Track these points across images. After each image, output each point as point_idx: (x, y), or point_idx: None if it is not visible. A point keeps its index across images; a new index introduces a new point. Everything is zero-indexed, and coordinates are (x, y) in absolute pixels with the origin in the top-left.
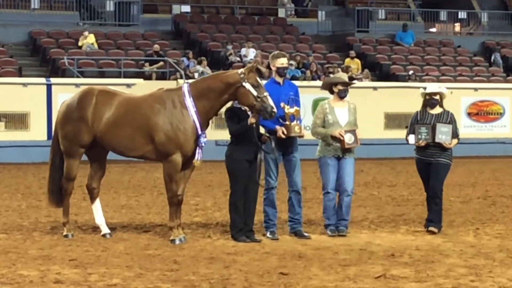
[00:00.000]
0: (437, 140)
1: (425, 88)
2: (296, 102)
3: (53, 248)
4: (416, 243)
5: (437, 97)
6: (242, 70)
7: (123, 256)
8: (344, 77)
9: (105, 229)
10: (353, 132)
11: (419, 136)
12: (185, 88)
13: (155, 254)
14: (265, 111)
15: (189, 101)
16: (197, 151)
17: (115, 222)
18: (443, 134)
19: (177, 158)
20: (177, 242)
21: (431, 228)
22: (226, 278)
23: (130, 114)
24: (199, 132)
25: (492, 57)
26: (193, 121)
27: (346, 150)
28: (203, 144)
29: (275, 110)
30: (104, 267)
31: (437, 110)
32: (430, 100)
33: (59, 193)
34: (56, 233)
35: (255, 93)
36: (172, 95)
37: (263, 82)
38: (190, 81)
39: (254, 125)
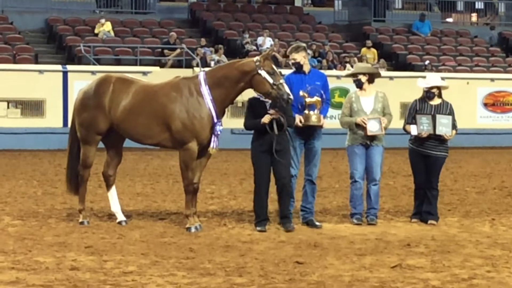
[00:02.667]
0: (437, 132)
1: (424, 77)
2: (317, 91)
3: (69, 235)
4: (432, 233)
5: (434, 90)
6: (257, 58)
7: (138, 243)
8: (360, 68)
9: (120, 217)
10: (377, 119)
11: (421, 127)
12: (201, 77)
13: (171, 242)
14: (281, 98)
15: (205, 89)
16: (212, 139)
17: (131, 210)
18: (443, 126)
19: (193, 146)
20: (193, 230)
21: (430, 222)
22: (242, 267)
23: (146, 102)
24: (215, 120)
25: (490, 36)
26: (209, 109)
27: (372, 138)
28: (219, 133)
29: (291, 97)
30: (119, 254)
31: (436, 100)
32: (427, 93)
33: (77, 180)
34: (72, 220)
35: (271, 80)
36: (188, 83)
37: (280, 70)
38: (206, 69)
39: (272, 119)
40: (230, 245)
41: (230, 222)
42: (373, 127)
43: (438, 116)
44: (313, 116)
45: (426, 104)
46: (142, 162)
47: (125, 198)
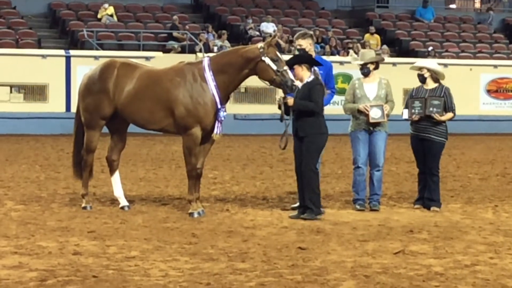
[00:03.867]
0: (427, 112)
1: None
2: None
3: (71, 219)
4: (434, 220)
5: (423, 72)
6: (261, 44)
7: (141, 228)
8: (369, 57)
9: (123, 202)
10: (380, 107)
11: (413, 111)
12: (206, 62)
13: (174, 227)
14: (285, 85)
15: (209, 75)
16: (216, 125)
17: (134, 195)
18: (433, 107)
19: (197, 131)
20: (196, 215)
21: (433, 208)
22: (245, 252)
23: (150, 87)
24: (219, 106)
25: (485, 18)
26: (212, 95)
27: (375, 124)
28: (222, 118)
29: (295, 83)
30: (122, 239)
31: (432, 85)
32: (418, 76)
33: (80, 166)
34: (75, 204)
35: (274, 67)
36: (192, 68)
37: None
38: (211, 55)
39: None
40: (232, 231)
41: (233, 207)
42: (375, 114)
43: (429, 98)
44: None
45: (422, 89)
46: (145, 147)
47: (128, 183)
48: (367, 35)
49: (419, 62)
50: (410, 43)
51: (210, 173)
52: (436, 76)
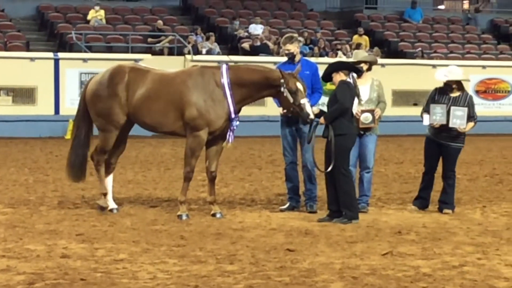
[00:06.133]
0: (451, 124)
1: (440, 69)
2: (304, 80)
3: (60, 222)
4: (423, 221)
5: (452, 83)
6: (282, 80)
7: (130, 231)
8: (363, 56)
9: (112, 204)
10: (371, 111)
11: (434, 117)
12: (224, 69)
13: (162, 230)
14: (302, 118)
15: (226, 82)
16: (228, 133)
17: (122, 197)
18: (457, 119)
19: (204, 134)
20: (184, 217)
21: (446, 210)
22: (233, 254)
23: (164, 90)
24: (233, 115)
25: (473, 19)
26: (227, 101)
27: (365, 128)
28: (235, 128)
29: (311, 117)
30: (111, 242)
31: (456, 93)
32: (445, 86)
33: (80, 167)
34: (63, 207)
35: (291, 100)
36: (208, 72)
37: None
38: (230, 63)
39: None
40: (221, 233)
41: (221, 209)
42: (366, 119)
43: (453, 108)
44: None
45: (445, 95)
46: (134, 150)
47: (117, 185)
48: (355, 37)
49: (447, 74)
50: (398, 44)
51: (199, 175)
52: (462, 84)
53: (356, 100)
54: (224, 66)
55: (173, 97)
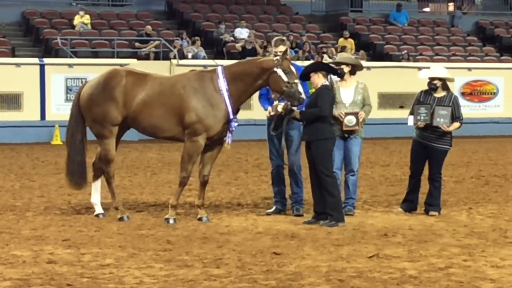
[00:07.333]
0: (434, 123)
1: (424, 69)
2: None
3: (46, 228)
4: (409, 223)
5: (436, 82)
6: (277, 57)
7: (116, 236)
8: (344, 57)
9: (99, 209)
10: (355, 114)
11: (418, 117)
12: (219, 71)
13: (148, 234)
14: (293, 97)
15: (223, 84)
16: (228, 135)
17: (109, 202)
18: (441, 117)
19: (202, 139)
20: (171, 221)
21: (432, 213)
22: (219, 258)
23: (163, 95)
24: (231, 116)
25: (455, 20)
26: (225, 104)
27: (350, 131)
28: (233, 129)
29: (303, 96)
30: (97, 247)
31: (441, 93)
32: (429, 84)
33: (80, 174)
34: (49, 213)
35: (285, 78)
36: (206, 76)
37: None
38: (224, 64)
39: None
40: (207, 237)
41: (208, 213)
42: (350, 122)
43: (437, 107)
44: (278, 106)
45: (430, 96)
46: (120, 155)
47: (103, 191)
48: (341, 40)
49: (430, 72)
50: (384, 47)
51: None
52: (447, 84)
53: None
54: (219, 68)
55: (173, 102)
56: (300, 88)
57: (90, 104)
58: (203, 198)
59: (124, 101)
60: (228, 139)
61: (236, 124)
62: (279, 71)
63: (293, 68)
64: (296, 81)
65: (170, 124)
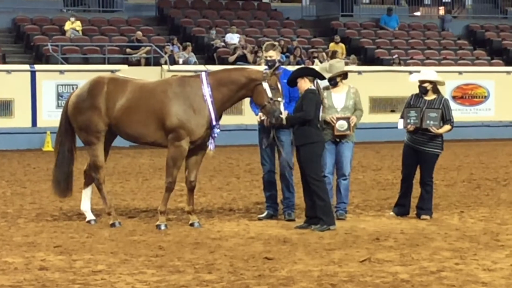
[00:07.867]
0: (424, 125)
1: (415, 73)
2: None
3: (38, 235)
4: (401, 227)
5: (426, 85)
6: (266, 70)
7: (108, 242)
8: (337, 68)
9: (90, 216)
10: (346, 119)
11: (408, 121)
12: (203, 76)
13: (140, 240)
14: (272, 114)
15: (206, 90)
16: (210, 141)
17: (100, 209)
18: (431, 120)
19: (185, 144)
20: (162, 227)
21: (423, 216)
22: (211, 263)
23: (144, 100)
24: (214, 122)
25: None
26: (208, 109)
27: (341, 136)
28: (216, 135)
29: (282, 116)
30: (89, 253)
31: (431, 96)
32: (420, 87)
33: (66, 183)
34: (41, 220)
35: (270, 94)
36: (188, 81)
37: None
38: (209, 69)
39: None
40: (199, 242)
41: (200, 219)
42: (341, 126)
43: (427, 110)
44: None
45: (420, 99)
46: (112, 161)
47: (95, 196)
48: (332, 44)
49: (420, 75)
50: (375, 51)
51: (177, 185)
52: (437, 87)
53: (321, 107)
54: (203, 74)
55: (154, 107)
56: (282, 108)
57: (75, 113)
58: (192, 204)
59: (106, 108)
60: (211, 145)
61: (218, 130)
62: (266, 85)
63: (279, 86)
64: (279, 99)
65: (151, 129)
